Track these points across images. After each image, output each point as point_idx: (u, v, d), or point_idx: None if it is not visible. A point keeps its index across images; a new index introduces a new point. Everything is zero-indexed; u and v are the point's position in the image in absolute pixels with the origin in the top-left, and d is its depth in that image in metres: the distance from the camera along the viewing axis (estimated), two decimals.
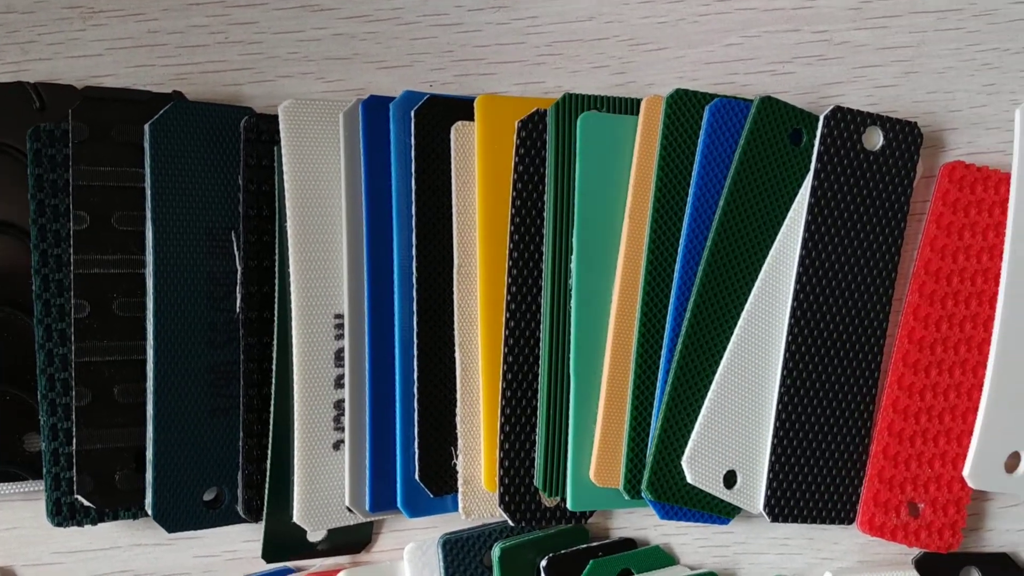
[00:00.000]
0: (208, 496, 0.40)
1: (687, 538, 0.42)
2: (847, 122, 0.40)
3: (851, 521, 0.41)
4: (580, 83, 0.42)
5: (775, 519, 0.40)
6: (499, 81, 0.42)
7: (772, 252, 0.40)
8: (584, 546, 0.41)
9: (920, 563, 0.41)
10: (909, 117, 0.41)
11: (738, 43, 0.42)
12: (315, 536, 0.41)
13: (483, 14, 0.42)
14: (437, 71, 0.42)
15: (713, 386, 0.39)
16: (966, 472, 0.40)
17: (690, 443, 0.39)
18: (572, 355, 0.40)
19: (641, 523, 0.42)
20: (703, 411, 0.39)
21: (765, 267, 0.40)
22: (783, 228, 0.40)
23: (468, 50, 0.42)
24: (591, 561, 0.40)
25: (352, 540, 0.41)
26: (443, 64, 0.42)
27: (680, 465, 0.39)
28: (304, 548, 0.41)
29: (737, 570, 0.42)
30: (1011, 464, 0.41)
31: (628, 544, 0.41)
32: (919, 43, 0.42)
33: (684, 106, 0.40)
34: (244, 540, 0.41)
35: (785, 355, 0.40)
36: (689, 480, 0.39)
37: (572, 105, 0.40)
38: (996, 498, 0.42)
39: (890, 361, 0.41)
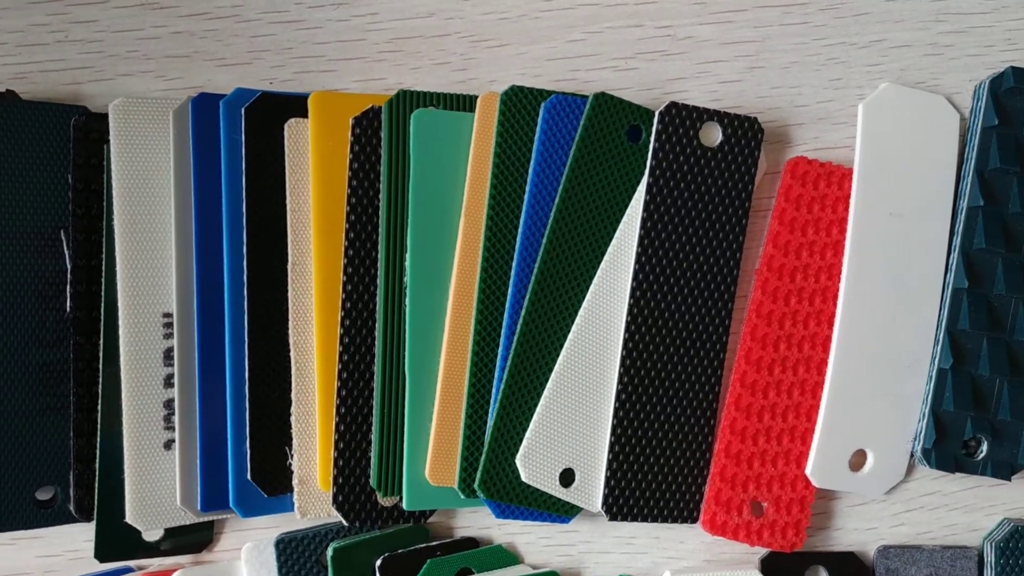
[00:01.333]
0: (43, 496, 0.40)
1: (531, 537, 0.42)
2: (683, 118, 0.39)
3: (694, 520, 0.40)
4: (421, 80, 0.42)
5: (614, 518, 0.39)
6: (339, 78, 0.41)
7: (610, 250, 0.40)
8: (423, 545, 0.40)
9: (766, 562, 0.41)
10: (754, 113, 0.40)
11: (581, 39, 0.42)
12: (152, 536, 0.41)
13: (323, 11, 0.41)
14: (277, 68, 0.41)
15: (549, 383, 0.39)
16: (809, 470, 0.40)
17: (524, 441, 0.39)
18: (408, 353, 0.39)
19: (484, 522, 0.42)
20: (538, 409, 0.39)
21: (603, 264, 0.40)
22: (620, 226, 0.40)
23: (308, 47, 0.41)
24: (428, 560, 0.40)
25: (193, 540, 0.41)
26: (283, 61, 0.41)
27: (515, 463, 0.39)
28: (143, 548, 0.40)
29: (582, 569, 0.42)
30: (857, 462, 0.41)
31: (470, 543, 0.41)
32: (764, 38, 0.42)
33: (520, 103, 0.40)
34: (86, 540, 0.41)
35: (623, 353, 0.39)
36: (524, 478, 0.39)
37: (407, 102, 0.40)
38: (843, 497, 0.42)
39: (734, 359, 0.41)
